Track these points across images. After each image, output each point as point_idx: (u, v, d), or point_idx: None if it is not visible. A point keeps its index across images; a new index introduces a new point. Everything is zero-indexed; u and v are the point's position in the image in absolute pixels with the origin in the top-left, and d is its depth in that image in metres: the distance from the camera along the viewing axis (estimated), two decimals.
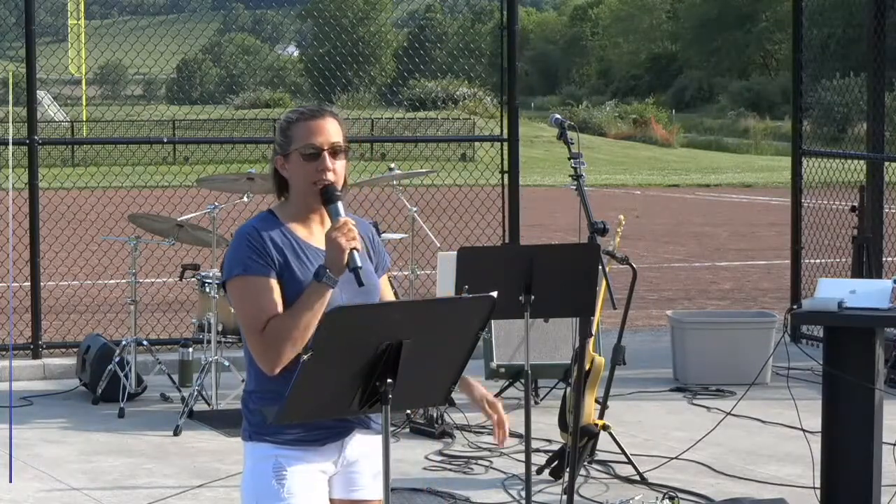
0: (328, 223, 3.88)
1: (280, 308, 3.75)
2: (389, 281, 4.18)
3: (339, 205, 3.80)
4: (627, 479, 7.50)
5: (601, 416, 7.59)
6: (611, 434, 7.60)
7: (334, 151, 3.85)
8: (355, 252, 3.71)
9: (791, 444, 8.16)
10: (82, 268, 13.01)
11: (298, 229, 3.87)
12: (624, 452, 7.63)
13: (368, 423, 3.91)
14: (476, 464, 7.86)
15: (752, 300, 15.07)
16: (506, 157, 11.37)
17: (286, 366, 3.73)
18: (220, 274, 8.98)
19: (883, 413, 6.54)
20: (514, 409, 9.05)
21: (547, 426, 8.19)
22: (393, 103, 30.89)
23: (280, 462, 3.81)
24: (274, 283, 3.78)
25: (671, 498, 6.90)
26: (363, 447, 3.93)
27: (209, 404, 8.98)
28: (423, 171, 11.02)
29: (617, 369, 7.62)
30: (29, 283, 10.64)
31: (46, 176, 12.31)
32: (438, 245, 10.04)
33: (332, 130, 3.86)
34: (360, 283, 3.69)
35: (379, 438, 3.83)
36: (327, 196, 3.81)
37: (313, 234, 3.88)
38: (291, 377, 3.55)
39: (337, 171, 3.85)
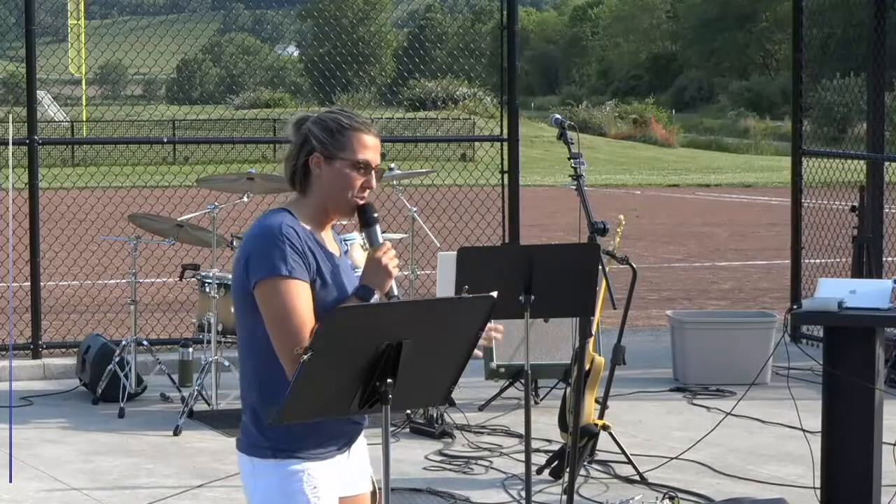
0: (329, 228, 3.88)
1: (314, 316, 3.69)
2: None
3: (378, 228, 3.83)
4: (627, 479, 7.50)
5: (601, 416, 7.59)
6: (611, 434, 7.60)
7: (376, 172, 3.83)
8: (394, 281, 3.77)
9: (791, 444, 8.16)
10: (82, 268, 13.01)
11: (316, 232, 3.81)
12: (624, 452, 7.63)
13: (365, 420, 3.90)
14: (476, 464, 7.86)
15: (752, 300, 15.07)
16: (506, 157, 11.37)
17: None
18: (219, 273, 8.99)
19: (883, 413, 6.55)
20: (514, 409, 9.06)
21: (547, 426, 8.20)
22: (393, 103, 30.88)
23: (312, 476, 3.73)
24: (309, 289, 3.70)
25: (671, 498, 6.90)
26: (359, 447, 3.94)
27: (209, 404, 8.98)
28: (423, 171, 11.02)
29: (617, 369, 7.62)
30: (29, 283, 10.64)
31: (46, 176, 12.31)
32: (438, 245, 10.04)
33: (379, 149, 3.85)
34: None
35: (364, 435, 3.87)
36: (367, 217, 3.81)
37: (324, 239, 3.83)
38: None
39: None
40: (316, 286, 3.71)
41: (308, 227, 3.78)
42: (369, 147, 3.81)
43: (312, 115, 3.85)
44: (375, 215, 3.82)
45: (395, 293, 3.76)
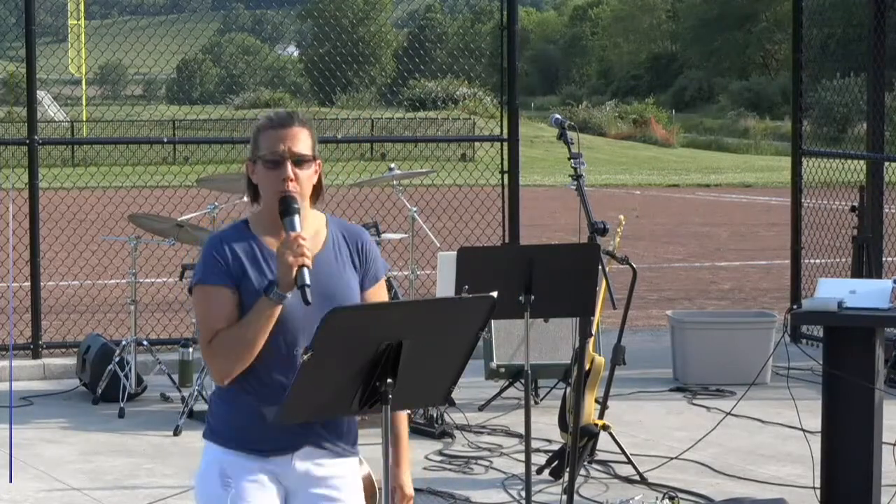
0: (305, 232, 3.81)
1: (231, 319, 3.74)
2: (389, 282, 4.17)
3: (296, 218, 3.73)
4: (627, 479, 7.50)
5: (601, 416, 7.59)
6: (611, 434, 7.60)
7: (298, 161, 3.78)
8: (305, 269, 3.65)
9: (791, 444, 8.16)
10: (82, 268, 13.01)
11: (268, 238, 3.81)
12: (624, 452, 7.63)
13: (321, 441, 3.83)
14: (476, 464, 7.86)
15: (752, 300, 15.07)
16: (506, 157, 11.37)
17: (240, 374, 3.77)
18: None
19: (883, 413, 6.55)
20: (514, 409, 9.06)
21: (547, 426, 8.20)
22: (393, 103, 30.88)
23: (225, 468, 3.82)
24: (228, 294, 3.74)
25: (671, 498, 6.90)
26: (322, 468, 3.85)
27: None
28: (423, 171, 11.03)
29: (617, 369, 7.62)
30: (29, 283, 10.64)
31: (46, 176, 12.31)
32: (438, 245, 10.04)
33: (298, 139, 3.79)
34: (307, 302, 3.62)
35: (342, 462, 3.85)
36: (284, 207, 3.76)
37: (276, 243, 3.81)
38: (247, 384, 3.73)
39: (301, 180, 3.79)
40: (241, 290, 3.76)
41: (261, 234, 3.82)
42: (279, 140, 3.79)
43: None
44: (295, 206, 3.75)
45: (307, 281, 3.64)
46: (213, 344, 3.75)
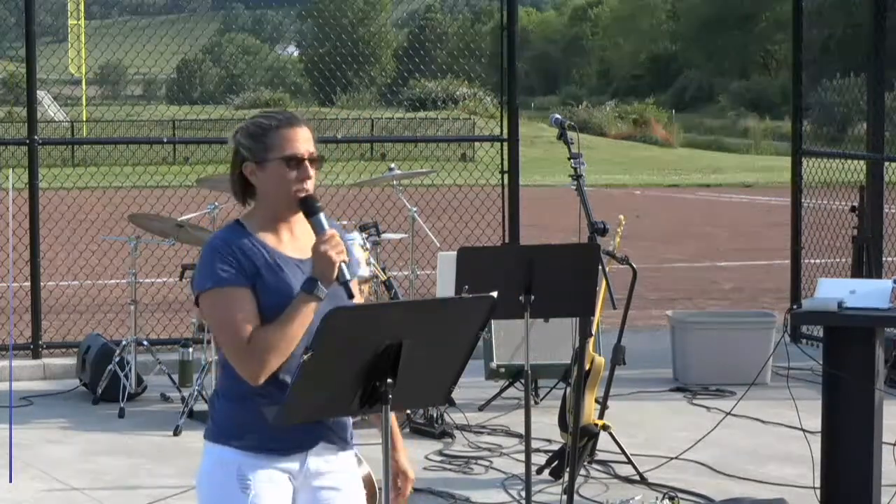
0: (298, 231, 3.84)
1: (258, 318, 3.72)
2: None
3: (322, 216, 3.76)
4: (627, 479, 7.50)
5: (601, 416, 7.60)
6: (611, 434, 7.61)
7: (312, 160, 3.82)
8: (344, 265, 3.69)
9: (791, 444, 8.16)
10: (82, 268, 13.00)
11: (268, 238, 3.82)
12: (624, 452, 7.64)
13: (332, 437, 3.85)
14: (476, 464, 7.86)
15: (752, 300, 15.06)
16: (506, 157, 11.37)
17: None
18: None
19: (883, 413, 6.55)
20: (514, 409, 9.06)
21: (547, 426, 8.19)
22: (393, 103, 30.87)
23: (243, 470, 3.78)
24: (249, 293, 3.73)
25: (671, 498, 6.90)
26: (329, 463, 3.87)
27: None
28: (423, 171, 11.03)
29: (617, 369, 7.63)
30: (29, 283, 10.64)
31: (46, 176, 12.30)
32: (438, 245, 10.05)
33: (309, 139, 3.83)
34: (350, 296, 3.66)
35: (344, 455, 3.86)
36: (309, 207, 3.78)
37: (282, 242, 3.83)
38: (262, 387, 3.68)
39: (312, 179, 3.83)
40: (257, 289, 3.74)
41: (259, 234, 3.81)
42: (296, 140, 3.80)
43: (242, 125, 3.87)
44: (318, 205, 3.79)
45: (348, 277, 3.69)
46: (254, 345, 3.68)
